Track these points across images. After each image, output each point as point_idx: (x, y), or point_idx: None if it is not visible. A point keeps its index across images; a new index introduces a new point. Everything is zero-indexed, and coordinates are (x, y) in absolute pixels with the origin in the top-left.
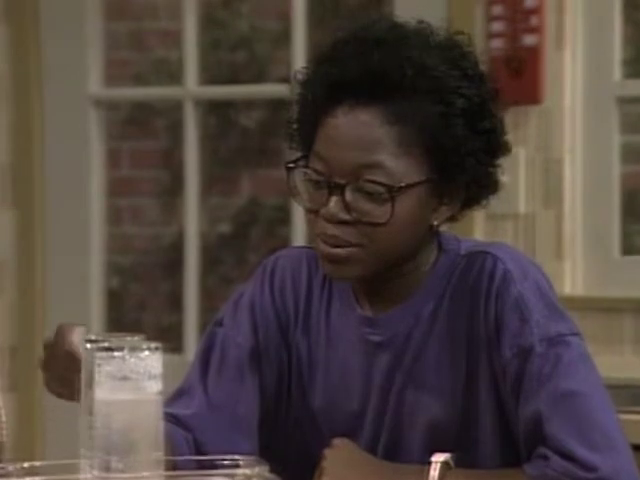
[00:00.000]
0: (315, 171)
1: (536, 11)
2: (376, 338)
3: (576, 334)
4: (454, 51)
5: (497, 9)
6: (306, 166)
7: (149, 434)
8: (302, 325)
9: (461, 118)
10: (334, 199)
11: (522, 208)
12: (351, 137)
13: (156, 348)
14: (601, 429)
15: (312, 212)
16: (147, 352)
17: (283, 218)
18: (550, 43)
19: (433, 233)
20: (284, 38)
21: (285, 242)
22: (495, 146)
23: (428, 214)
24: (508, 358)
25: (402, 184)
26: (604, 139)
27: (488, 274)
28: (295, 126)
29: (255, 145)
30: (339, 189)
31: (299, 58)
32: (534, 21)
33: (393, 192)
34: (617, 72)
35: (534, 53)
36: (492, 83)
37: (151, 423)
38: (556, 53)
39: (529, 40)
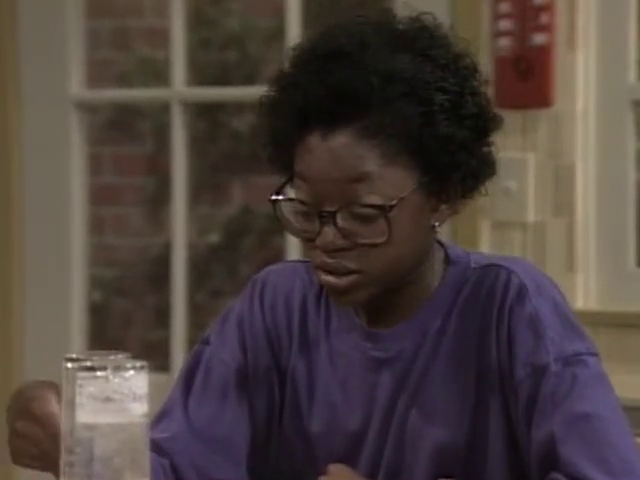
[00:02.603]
0: (301, 202)
1: (546, 8)
2: (380, 354)
3: (594, 354)
4: (421, 39)
5: (504, 6)
6: (291, 199)
7: (134, 460)
8: (298, 344)
9: (443, 113)
10: (326, 228)
11: (531, 217)
12: (331, 162)
13: (141, 367)
14: (618, 453)
15: (308, 241)
16: (132, 371)
17: (277, 228)
18: (561, 42)
19: (434, 234)
20: (278, 36)
21: (279, 253)
22: (484, 126)
23: (427, 217)
24: (521, 378)
25: (394, 202)
26: (618, 144)
27: (502, 288)
28: (270, 151)
29: (247, 150)
30: (330, 217)
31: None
32: (544, 19)
33: (386, 211)
34: (632, 74)
35: (544, 53)
36: (469, 59)
37: (136, 448)
38: (567, 53)
39: (539, 39)
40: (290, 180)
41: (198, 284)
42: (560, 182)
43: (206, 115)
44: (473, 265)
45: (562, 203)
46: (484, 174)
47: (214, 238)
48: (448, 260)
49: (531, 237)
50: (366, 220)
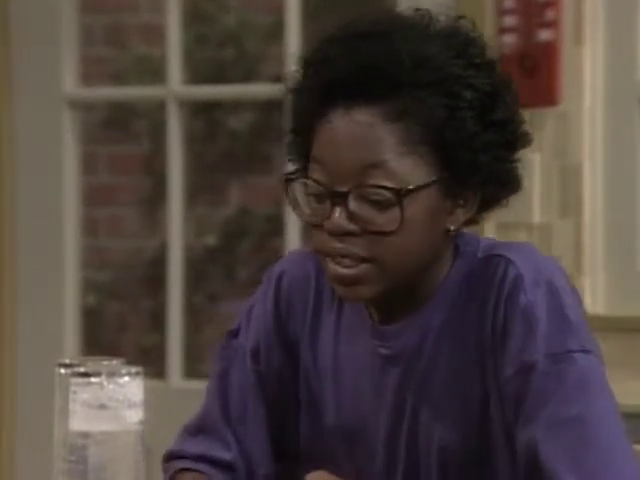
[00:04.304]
0: (315, 181)
1: (552, 4)
2: (385, 351)
3: (588, 351)
4: (457, 38)
5: (509, 2)
6: (305, 176)
7: (129, 469)
8: (309, 338)
9: (469, 111)
10: (337, 210)
11: (537, 217)
12: (350, 138)
13: (137, 373)
14: (602, 460)
15: (315, 227)
16: (127, 377)
17: (275, 229)
18: (568, 39)
19: (450, 238)
20: (276, 33)
21: (277, 255)
22: (512, 138)
23: (443, 218)
24: (508, 376)
25: (410, 187)
26: (626, 143)
27: (499, 280)
28: (291, 137)
29: (244, 150)
30: (342, 198)
31: (293, 55)
32: (550, 15)
33: (401, 196)
34: None
35: (550, 50)
36: (503, 72)
37: (131, 456)
38: (574, 50)
39: (544, 35)
40: (304, 168)
41: (194, 287)
42: (567, 182)
43: (203, 114)
44: (480, 254)
45: (569, 203)
46: (507, 185)
47: (211, 240)
48: (457, 252)
49: (537, 238)
50: (379, 206)
